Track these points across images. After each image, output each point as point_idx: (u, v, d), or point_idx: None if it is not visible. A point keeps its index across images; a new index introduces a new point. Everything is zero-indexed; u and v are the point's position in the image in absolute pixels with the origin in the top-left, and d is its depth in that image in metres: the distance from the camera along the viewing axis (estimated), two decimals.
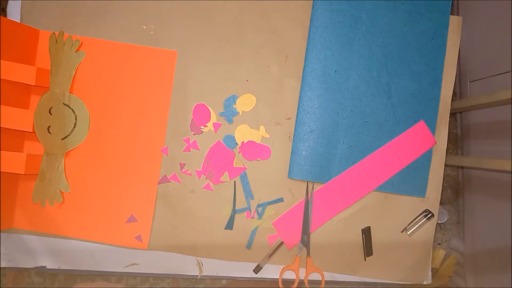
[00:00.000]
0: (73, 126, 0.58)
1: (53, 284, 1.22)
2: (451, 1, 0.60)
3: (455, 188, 1.29)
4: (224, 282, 0.72)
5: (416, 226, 0.60)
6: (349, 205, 0.59)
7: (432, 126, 0.60)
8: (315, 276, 0.59)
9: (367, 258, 0.60)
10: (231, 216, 0.59)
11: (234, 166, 0.59)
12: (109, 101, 0.59)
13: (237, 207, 0.59)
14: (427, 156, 0.60)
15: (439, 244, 1.28)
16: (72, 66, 0.58)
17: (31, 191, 0.58)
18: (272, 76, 0.60)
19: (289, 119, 0.60)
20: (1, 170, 0.52)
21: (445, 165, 0.61)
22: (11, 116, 0.54)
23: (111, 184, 0.59)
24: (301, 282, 0.58)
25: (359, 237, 0.60)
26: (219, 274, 0.60)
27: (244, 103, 0.60)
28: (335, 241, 0.60)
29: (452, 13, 0.60)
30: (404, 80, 0.59)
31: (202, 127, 0.59)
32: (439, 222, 1.23)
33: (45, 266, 0.59)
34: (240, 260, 0.59)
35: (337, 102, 0.59)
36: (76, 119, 0.58)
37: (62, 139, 0.58)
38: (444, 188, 1.23)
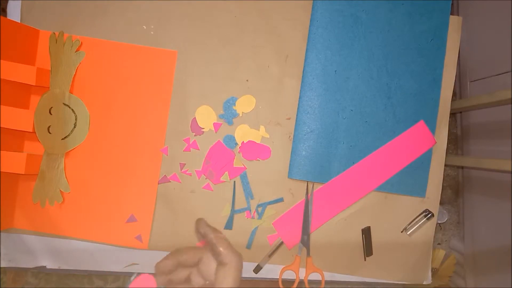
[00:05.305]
0: (73, 126, 0.58)
1: (47, 284, 1.21)
2: (451, 1, 0.60)
3: (455, 188, 1.29)
4: None
5: (416, 226, 0.60)
6: (349, 205, 0.59)
7: (432, 126, 0.60)
8: (315, 276, 0.59)
9: (367, 258, 0.60)
10: (230, 216, 0.59)
11: (234, 166, 0.59)
12: (109, 101, 0.59)
13: (237, 207, 0.59)
14: (427, 156, 0.60)
15: (439, 244, 1.28)
16: (72, 66, 0.58)
17: (31, 191, 0.58)
18: (272, 76, 0.60)
19: (289, 119, 0.60)
20: (1, 170, 0.52)
21: (445, 165, 0.61)
22: (11, 116, 0.54)
23: (111, 184, 0.59)
24: (301, 282, 0.58)
25: (359, 237, 0.60)
26: None
27: (244, 105, 0.59)
28: (335, 241, 0.60)
29: (452, 13, 0.60)
30: (404, 80, 0.59)
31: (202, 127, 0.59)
32: (439, 222, 1.23)
33: (45, 266, 0.59)
34: None
35: (337, 102, 0.59)
36: (76, 119, 0.58)
37: (62, 139, 0.58)
38: (444, 188, 1.23)
